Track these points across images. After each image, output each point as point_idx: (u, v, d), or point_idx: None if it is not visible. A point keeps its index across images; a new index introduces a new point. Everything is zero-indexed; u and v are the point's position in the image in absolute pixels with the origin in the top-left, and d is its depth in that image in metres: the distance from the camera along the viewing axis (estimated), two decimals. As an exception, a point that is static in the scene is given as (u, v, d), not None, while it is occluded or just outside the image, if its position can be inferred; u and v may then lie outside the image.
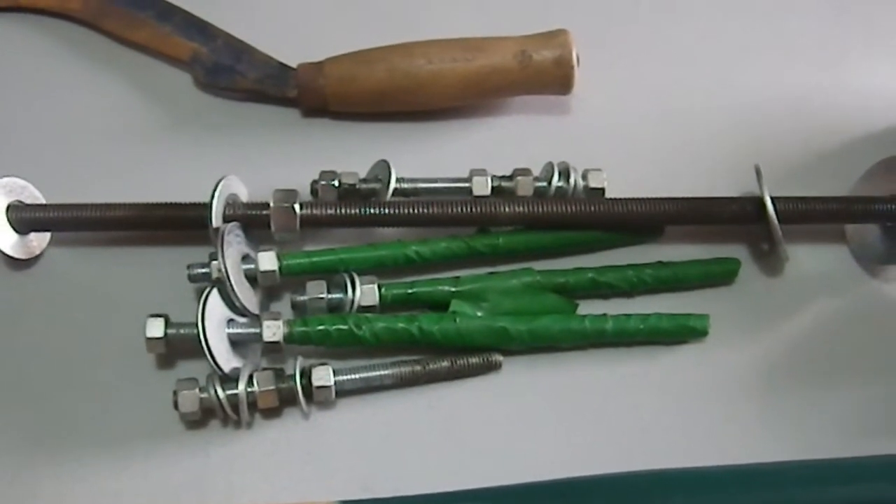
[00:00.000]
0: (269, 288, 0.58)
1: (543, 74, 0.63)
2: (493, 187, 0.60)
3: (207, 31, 0.66)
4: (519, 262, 0.60)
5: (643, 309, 0.59)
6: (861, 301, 0.61)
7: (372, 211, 0.58)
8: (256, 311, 0.56)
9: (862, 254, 0.62)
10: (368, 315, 0.56)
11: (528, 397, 0.57)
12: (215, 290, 0.55)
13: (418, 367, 0.56)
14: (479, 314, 0.57)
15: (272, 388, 0.54)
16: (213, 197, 0.57)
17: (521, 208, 0.59)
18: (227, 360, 0.54)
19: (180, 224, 0.58)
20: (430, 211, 0.58)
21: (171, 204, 0.58)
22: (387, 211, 0.58)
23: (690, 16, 0.72)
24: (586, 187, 0.61)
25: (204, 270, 0.57)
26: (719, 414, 0.57)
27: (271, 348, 0.55)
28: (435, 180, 0.61)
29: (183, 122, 0.65)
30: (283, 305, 0.58)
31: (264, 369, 0.55)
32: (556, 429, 0.56)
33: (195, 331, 0.53)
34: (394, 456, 0.55)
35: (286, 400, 0.55)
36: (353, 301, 0.56)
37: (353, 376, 0.55)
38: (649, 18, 0.72)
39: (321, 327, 0.55)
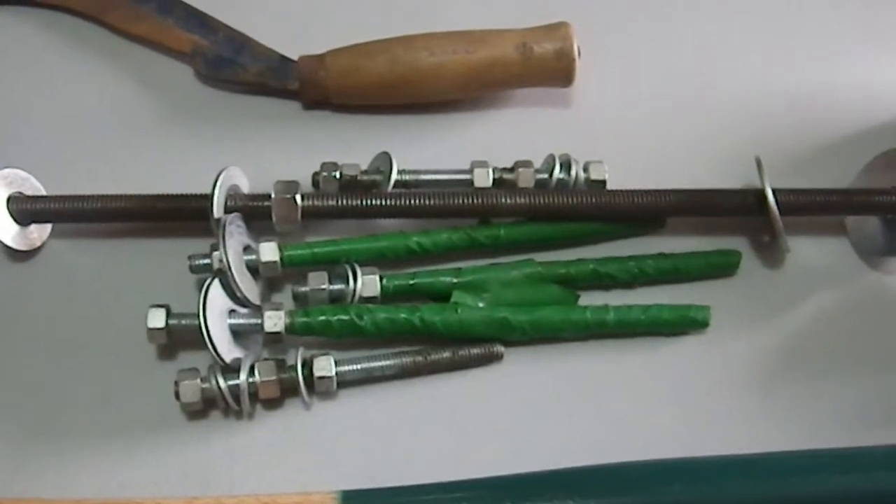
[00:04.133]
0: (270, 279, 0.58)
1: (545, 67, 0.63)
2: (494, 179, 0.60)
3: (208, 23, 0.66)
4: (520, 253, 0.60)
5: (645, 300, 0.59)
6: (861, 292, 0.61)
7: (373, 202, 0.58)
8: (258, 302, 0.56)
9: (862, 246, 0.63)
10: (370, 306, 0.56)
11: (529, 388, 0.57)
12: (217, 281, 0.55)
13: (420, 358, 0.56)
14: (481, 305, 0.57)
15: (274, 378, 0.54)
16: (214, 188, 0.57)
17: (522, 200, 0.59)
18: (229, 350, 0.54)
19: (182, 215, 0.58)
20: (432, 202, 0.58)
21: (172, 195, 0.58)
22: (388, 202, 0.58)
23: (692, 8, 0.72)
24: (588, 179, 0.61)
25: (205, 261, 0.57)
26: (720, 404, 0.57)
27: (273, 339, 0.55)
28: (436, 172, 0.61)
29: (184, 114, 0.65)
30: (285, 296, 0.59)
31: (266, 360, 0.55)
32: (558, 419, 0.56)
33: (197, 321, 0.53)
34: (395, 446, 0.55)
35: (288, 390, 0.55)
36: (354, 292, 0.56)
37: (354, 367, 0.55)
38: (650, 11, 0.72)
39: (323, 318, 0.55)
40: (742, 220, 0.62)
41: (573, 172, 0.61)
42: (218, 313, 0.54)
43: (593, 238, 0.61)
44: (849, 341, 0.59)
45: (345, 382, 0.56)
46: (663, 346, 0.59)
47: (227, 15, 0.67)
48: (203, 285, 0.54)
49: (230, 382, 0.53)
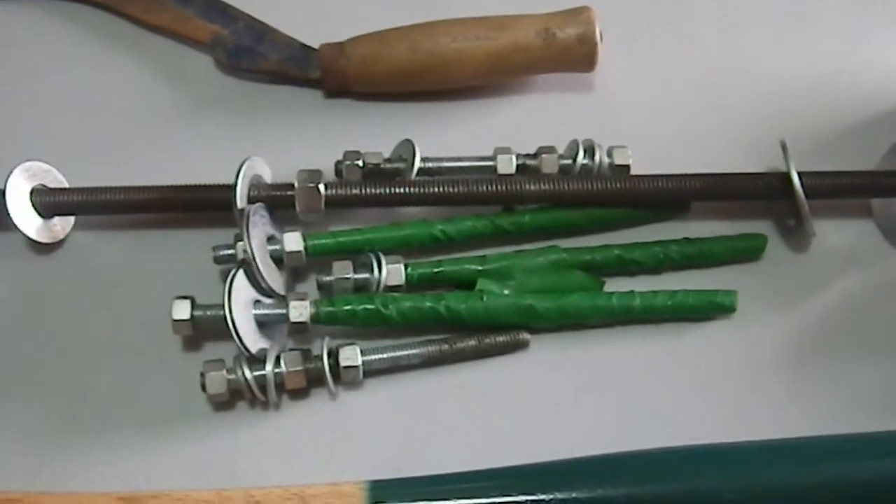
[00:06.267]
0: (294, 268, 0.58)
1: (567, 52, 0.63)
2: (518, 165, 0.60)
3: (228, 13, 0.66)
4: (545, 239, 0.60)
5: (670, 286, 0.58)
6: (888, 275, 0.61)
7: (397, 190, 0.58)
8: (282, 292, 0.56)
9: (888, 228, 0.62)
10: (395, 294, 0.56)
11: (555, 375, 0.57)
12: (241, 272, 0.55)
13: (445, 347, 0.56)
14: (506, 292, 0.57)
15: (299, 368, 0.54)
16: (237, 178, 0.56)
17: (546, 186, 0.59)
18: (254, 341, 0.54)
19: (205, 206, 0.58)
20: (456, 190, 0.58)
21: (195, 186, 0.58)
22: (412, 190, 0.58)
23: (714, -9, 0.71)
24: (611, 164, 0.61)
25: (229, 252, 0.57)
26: (748, 389, 0.57)
27: (298, 329, 0.55)
28: (459, 159, 0.61)
29: (206, 104, 0.65)
30: (310, 286, 0.58)
31: (291, 350, 0.55)
32: (584, 406, 0.56)
33: (222, 312, 0.53)
34: (421, 435, 0.55)
35: (314, 380, 0.55)
36: (379, 281, 0.56)
37: (380, 356, 0.55)
38: (672, -6, 0.71)
39: (348, 307, 0.55)
40: (767, 203, 0.61)
41: (597, 158, 0.60)
42: (243, 304, 0.54)
43: (618, 224, 0.61)
44: (876, 324, 0.59)
45: (371, 372, 0.56)
46: (690, 332, 0.58)
47: (247, 4, 0.67)
48: (227, 276, 0.54)
49: (256, 373, 0.53)
